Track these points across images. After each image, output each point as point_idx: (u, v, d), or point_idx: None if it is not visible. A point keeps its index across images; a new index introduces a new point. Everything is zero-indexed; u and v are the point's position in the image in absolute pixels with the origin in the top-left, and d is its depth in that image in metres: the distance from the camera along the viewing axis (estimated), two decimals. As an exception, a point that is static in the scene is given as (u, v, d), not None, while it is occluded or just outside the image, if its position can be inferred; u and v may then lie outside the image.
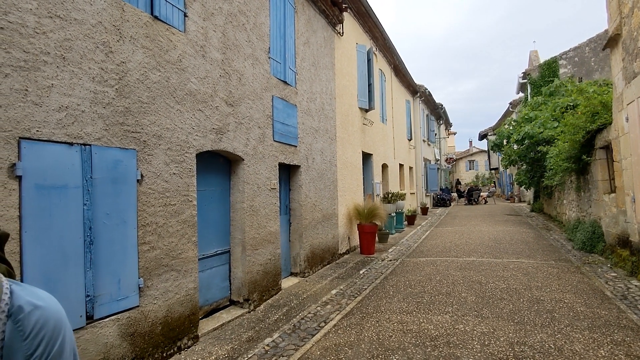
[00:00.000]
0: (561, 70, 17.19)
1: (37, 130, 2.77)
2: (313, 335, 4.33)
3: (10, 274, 0.72)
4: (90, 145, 3.15)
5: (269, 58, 5.95)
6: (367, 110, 10.97)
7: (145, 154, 3.67)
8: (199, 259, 4.47)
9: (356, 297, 5.76)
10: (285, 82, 6.47)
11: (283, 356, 3.83)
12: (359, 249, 9.70)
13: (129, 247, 3.47)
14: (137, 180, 3.58)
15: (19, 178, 2.66)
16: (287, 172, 7.01)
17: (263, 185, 5.74)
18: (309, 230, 7.28)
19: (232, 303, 5.33)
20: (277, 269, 6.07)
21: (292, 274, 7.07)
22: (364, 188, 11.07)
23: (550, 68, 17.38)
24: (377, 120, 12.31)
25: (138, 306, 3.54)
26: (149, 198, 3.71)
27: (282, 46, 6.41)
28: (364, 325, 4.59)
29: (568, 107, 11.80)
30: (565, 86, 14.24)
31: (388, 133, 13.78)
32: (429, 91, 20.09)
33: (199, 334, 4.32)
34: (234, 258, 5.33)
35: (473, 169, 49.52)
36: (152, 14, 3.80)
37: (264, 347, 4.06)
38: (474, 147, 50.55)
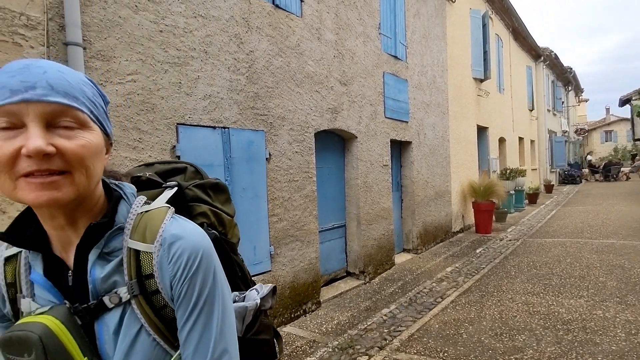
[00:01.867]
0: None
1: (189, 117, 3.25)
2: (430, 310, 4.34)
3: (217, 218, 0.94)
4: (228, 128, 3.59)
5: (379, 34, 5.91)
6: (481, 81, 10.18)
7: (271, 135, 4.04)
8: (319, 232, 4.79)
9: (473, 275, 5.56)
10: (395, 57, 6.37)
11: (401, 326, 3.94)
12: (473, 227, 9.24)
13: (261, 218, 3.89)
14: (266, 159, 3.97)
15: (178, 157, 3.17)
16: (399, 148, 6.97)
17: (375, 162, 5.83)
18: (421, 207, 7.18)
19: (349, 274, 5.61)
20: (390, 244, 6.16)
21: (404, 250, 7.10)
22: (478, 164, 10.41)
23: None
24: (493, 90, 11.35)
25: (270, 271, 3.98)
26: (276, 175, 4.09)
27: (392, 21, 6.29)
28: (484, 303, 4.44)
29: None
30: None
31: (505, 104, 12.62)
32: (554, 54, 17.68)
33: (321, 300, 4.67)
34: (349, 232, 5.57)
35: (610, 140, 42.38)
36: (273, 3, 4.08)
37: (382, 317, 4.22)
38: (611, 115, 43.10)
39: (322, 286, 5.07)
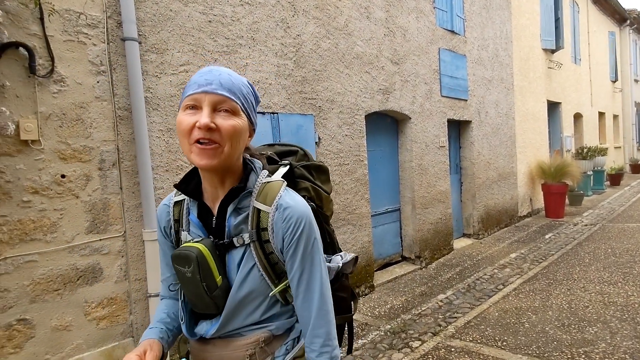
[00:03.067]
0: None
1: (239, 104, 3.34)
2: (490, 297, 4.14)
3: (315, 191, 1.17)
4: (277, 113, 3.64)
5: (434, 8, 5.60)
6: (553, 51, 9.29)
7: (320, 118, 4.03)
8: (371, 215, 4.73)
9: (540, 262, 5.19)
10: (452, 32, 6.01)
11: (458, 313, 3.80)
12: (543, 211, 8.59)
13: (312, 201, 3.92)
14: (315, 143, 3.97)
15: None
16: (457, 128, 6.63)
17: (431, 144, 5.60)
18: (482, 190, 6.81)
19: (404, 259, 5.51)
20: (448, 228, 5.93)
21: (464, 235, 6.80)
22: (549, 143, 9.60)
23: None
24: (567, 61, 10.31)
25: (322, 253, 4.01)
26: (326, 158, 4.08)
27: (448, -8, 5.92)
28: (551, 292, 4.13)
29: None
30: None
31: (582, 75, 11.42)
32: (645, 15, 15.57)
33: (375, 284, 4.65)
34: (404, 216, 5.44)
35: None
36: (319, -16, 4.02)
37: (437, 303, 4.10)
38: None
39: (376, 270, 5.03)
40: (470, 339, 3.25)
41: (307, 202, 1.07)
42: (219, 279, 0.98)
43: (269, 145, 1.30)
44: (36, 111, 2.30)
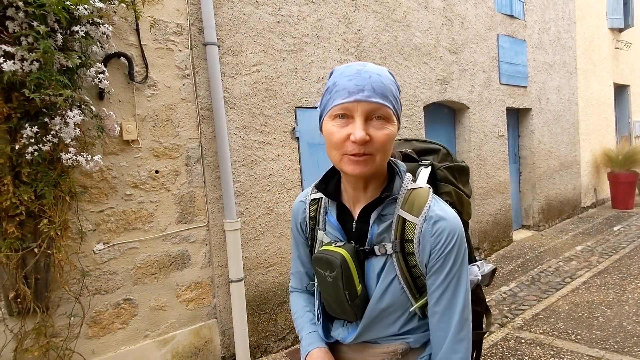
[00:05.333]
0: None
1: (305, 100, 3.48)
2: (557, 290, 4.04)
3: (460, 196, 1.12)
4: (340, 107, 3.73)
5: (492, -7, 5.43)
6: (621, 30, 8.66)
7: (381, 111, 4.08)
8: (430, 207, 4.74)
9: (610, 255, 4.96)
10: (511, 17, 5.80)
11: (524, 305, 3.75)
12: (609, 202, 8.11)
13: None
14: (376, 135, 4.04)
15: (297, 139, 3.44)
16: (516, 116, 6.41)
17: (490, 133, 5.47)
18: (543, 180, 6.56)
19: (461, 250, 5.45)
20: (507, 219, 5.80)
21: (523, 227, 6.60)
22: (616, 129, 9.00)
23: None
24: (638, 40, 9.56)
25: (383, 244, 4.10)
26: (386, 150, 4.14)
27: (507, -25, 5.71)
28: (625, 286, 3.96)
29: None
30: None
31: (654, 55, 10.53)
32: None
33: (434, 275, 4.66)
34: (461, 207, 5.38)
35: None
36: (378, -23, 4.05)
37: (500, 294, 4.07)
38: None
39: (435, 261, 5.04)
40: (541, 331, 3.21)
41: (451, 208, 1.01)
42: (359, 287, 0.95)
43: (406, 140, 1.25)
44: (134, 114, 2.56)
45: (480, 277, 1.08)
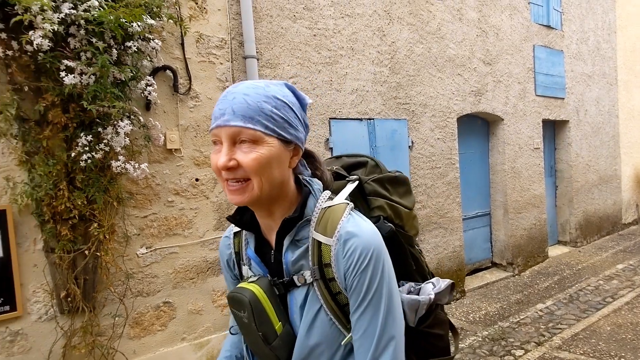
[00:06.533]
0: None
1: (339, 111, 3.53)
2: (598, 310, 3.87)
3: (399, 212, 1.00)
4: (373, 119, 3.76)
5: (528, 3, 5.35)
6: (665, 39, 8.29)
7: (413, 122, 4.08)
8: (462, 219, 4.67)
9: (656, 275, 4.72)
10: (548, 27, 5.68)
11: (562, 324, 3.62)
12: (652, 219, 7.72)
13: (405, 204, 3.99)
14: (409, 147, 4.03)
15: (331, 149, 3.48)
16: (552, 129, 6.23)
17: (525, 145, 5.35)
18: (580, 195, 6.33)
19: (494, 265, 5.33)
20: (542, 235, 5.62)
21: (559, 243, 6.37)
22: (660, 142, 8.57)
23: None
24: (683, 49, 9.13)
25: (414, 256, 4.06)
26: (418, 162, 4.13)
27: (544, -15, 5.62)
28: (673, 308, 3.75)
29: None
30: None
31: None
32: None
33: (465, 289, 4.57)
34: (494, 220, 5.27)
35: None
36: (413, -10, 4.08)
37: (536, 312, 3.94)
38: None
39: (466, 275, 4.94)
40: (581, 352, 3.09)
41: (383, 223, 0.94)
42: (278, 326, 0.85)
43: (336, 157, 1.14)
44: (178, 124, 2.68)
45: (432, 296, 0.94)
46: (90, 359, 2.27)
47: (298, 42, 3.24)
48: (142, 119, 2.37)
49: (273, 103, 0.79)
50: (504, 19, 5.03)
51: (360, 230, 0.82)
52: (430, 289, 0.96)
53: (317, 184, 0.90)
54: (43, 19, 1.75)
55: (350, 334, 0.83)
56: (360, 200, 0.97)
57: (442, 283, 0.99)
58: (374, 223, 0.89)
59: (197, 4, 2.73)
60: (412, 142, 4.07)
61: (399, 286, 0.95)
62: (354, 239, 0.80)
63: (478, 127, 5.12)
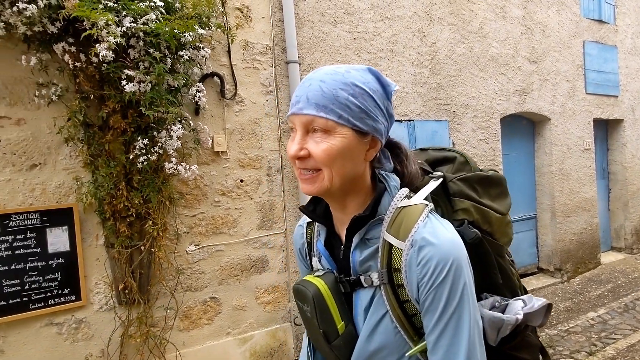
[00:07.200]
0: None
1: (379, 113, 3.54)
2: (657, 320, 3.63)
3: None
4: (413, 120, 3.75)
5: (577, -2, 5.12)
6: None
7: (455, 123, 4.02)
8: (506, 223, 4.52)
9: None
10: (599, 21, 5.40)
11: (616, 334, 3.43)
12: None
13: (446, 207, 3.93)
14: (450, 148, 3.97)
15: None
16: (604, 128, 5.90)
17: (574, 146, 5.11)
18: (637, 198, 5.94)
19: (540, 271, 5.11)
20: (594, 240, 5.33)
21: (613, 249, 6.01)
22: None
23: None
24: None
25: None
26: (460, 163, 4.05)
27: (595, -22, 5.35)
28: None
29: None
30: None
31: None
32: None
33: (510, 295, 4.42)
34: (541, 224, 5.06)
35: None
36: (454, -10, 4.03)
37: (588, 321, 3.75)
38: None
39: (510, 280, 4.78)
40: (637, 363, 2.92)
41: (468, 228, 0.84)
42: (340, 325, 0.80)
43: (421, 150, 1.05)
44: (224, 128, 2.80)
45: (520, 316, 0.82)
46: (145, 348, 2.42)
47: (338, 45, 3.30)
48: (192, 123, 2.51)
49: (350, 91, 0.73)
50: (551, 14, 4.84)
51: (438, 239, 0.74)
52: (518, 307, 0.85)
53: (393, 180, 0.82)
54: (107, 32, 1.90)
55: (417, 347, 0.76)
56: (444, 201, 0.88)
57: (536, 302, 0.86)
58: (457, 227, 0.81)
59: (242, 12, 2.86)
60: (453, 143, 4.01)
61: (481, 299, 0.87)
62: (429, 247, 0.73)
63: (523, 127, 4.95)
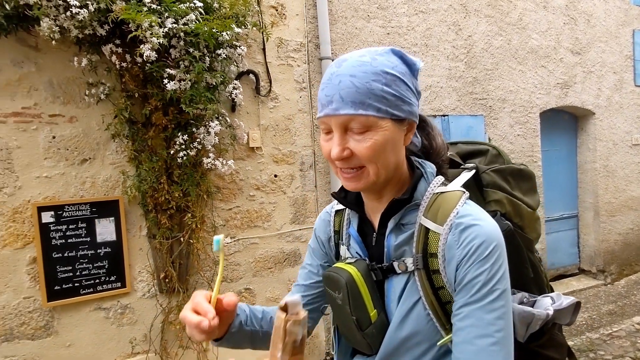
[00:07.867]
0: None
1: (412, 108, 3.51)
2: None
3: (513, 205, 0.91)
4: (447, 115, 3.69)
5: (626, -16, 4.84)
6: None
7: (491, 118, 3.92)
8: (545, 221, 4.37)
9: None
10: (651, 9, 5.08)
11: (664, 340, 3.25)
12: None
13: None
14: (485, 144, 3.88)
15: (403, 146, 3.48)
16: (654, 123, 5.56)
17: (620, 142, 4.85)
18: (691, 197, 5.56)
19: (581, 272, 4.90)
20: (642, 241, 5.05)
21: (663, 251, 5.66)
22: None
23: None
24: None
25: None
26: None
27: (647, -38, 5.03)
28: None
29: None
30: None
31: None
32: None
33: (548, 296, 4.28)
34: (583, 224, 4.85)
35: None
36: (492, -19, 3.91)
37: (633, 325, 3.57)
38: None
39: (550, 281, 4.61)
40: (688, 371, 2.76)
41: (500, 219, 0.84)
42: (373, 312, 0.79)
43: (452, 143, 1.05)
44: (259, 124, 2.87)
45: (550, 312, 0.81)
46: (184, 334, 2.54)
47: (372, 41, 3.29)
48: (228, 120, 2.59)
49: (383, 80, 0.70)
50: (597, 3, 4.60)
51: (482, 220, 0.73)
52: (548, 304, 0.85)
53: (430, 167, 0.83)
54: (151, 33, 2.00)
55: (449, 336, 0.74)
56: (476, 192, 0.87)
57: (565, 300, 0.87)
58: None
59: (277, 10, 2.91)
60: (490, 139, 3.91)
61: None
62: (473, 227, 0.72)
63: (564, 122, 4.75)
